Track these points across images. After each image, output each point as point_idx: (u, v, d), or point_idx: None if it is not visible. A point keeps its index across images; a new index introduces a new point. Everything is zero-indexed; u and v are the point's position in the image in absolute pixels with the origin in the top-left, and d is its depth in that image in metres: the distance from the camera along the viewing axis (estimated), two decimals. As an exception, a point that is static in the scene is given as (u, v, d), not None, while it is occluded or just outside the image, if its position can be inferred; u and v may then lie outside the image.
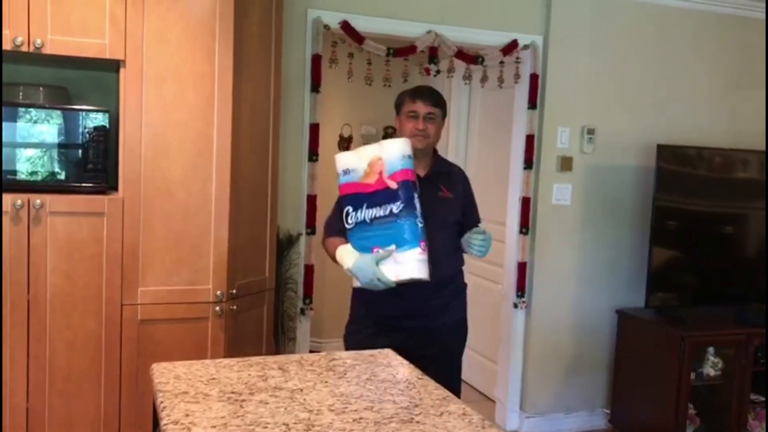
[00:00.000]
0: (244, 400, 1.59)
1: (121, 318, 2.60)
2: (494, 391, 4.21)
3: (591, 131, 3.90)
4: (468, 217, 2.67)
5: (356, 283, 2.41)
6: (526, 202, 3.87)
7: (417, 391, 1.72)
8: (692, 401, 3.67)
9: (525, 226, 3.88)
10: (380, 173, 2.31)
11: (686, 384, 3.56)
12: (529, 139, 3.83)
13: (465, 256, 2.68)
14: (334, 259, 2.48)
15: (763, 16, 4.12)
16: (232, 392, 1.64)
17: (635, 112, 4.01)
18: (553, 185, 3.89)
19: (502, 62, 3.73)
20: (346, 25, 3.39)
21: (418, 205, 2.31)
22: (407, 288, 2.36)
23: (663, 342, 3.66)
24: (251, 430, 1.43)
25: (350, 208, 2.36)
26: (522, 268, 3.90)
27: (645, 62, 4.00)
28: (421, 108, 2.55)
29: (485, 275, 4.46)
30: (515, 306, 3.94)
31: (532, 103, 3.82)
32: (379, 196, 2.30)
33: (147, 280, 2.62)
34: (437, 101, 2.60)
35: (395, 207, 2.28)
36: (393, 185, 2.30)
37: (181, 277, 2.65)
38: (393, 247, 2.28)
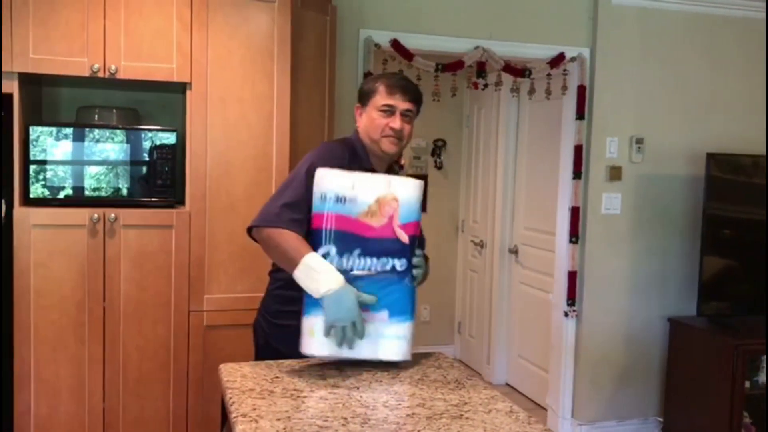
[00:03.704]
0: (305, 397, 1.72)
1: (188, 324, 2.77)
2: (546, 399, 4.26)
3: (639, 141, 3.94)
4: None
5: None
6: (575, 212, 3.92)
7: (466, 390, 1.82)
8: (747, 410, 3.64)
9: (575, 235, 3.93)
10: (391, 218, 1.87)
11: (740, 392, 3.55)
12: (578, 149, 3.89)
13: None
14: (281, 257, 1.98)
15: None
16: (294, 389, 1.77)
17: (684, 120, 4.03)
18: (602, 195, 3.94)
19: (549, 74, 3.81)
20: (396, 44, 3.52)
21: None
22: None
23: (716, 350, 3.65)
24: (312, 422, 1.56)
25: (333, 249, 1.87)
26: (572, 277, 3.95)
27: (692, 71, 4.02)
28: (400, 103, 2.06)
29: (536, 284, 4.52)
30: (566, 315, 3.99)
31: (580, 114, 3.88)
32: (380, 245, 1.87)
33: (212, 289, 2.79)
34: (417, 96, 2.11)
35: (399, 264, 1.88)
36: (404, 238, 1.88)
37: (243, 285, 2.81)
38: (385, 313, 1.86)
